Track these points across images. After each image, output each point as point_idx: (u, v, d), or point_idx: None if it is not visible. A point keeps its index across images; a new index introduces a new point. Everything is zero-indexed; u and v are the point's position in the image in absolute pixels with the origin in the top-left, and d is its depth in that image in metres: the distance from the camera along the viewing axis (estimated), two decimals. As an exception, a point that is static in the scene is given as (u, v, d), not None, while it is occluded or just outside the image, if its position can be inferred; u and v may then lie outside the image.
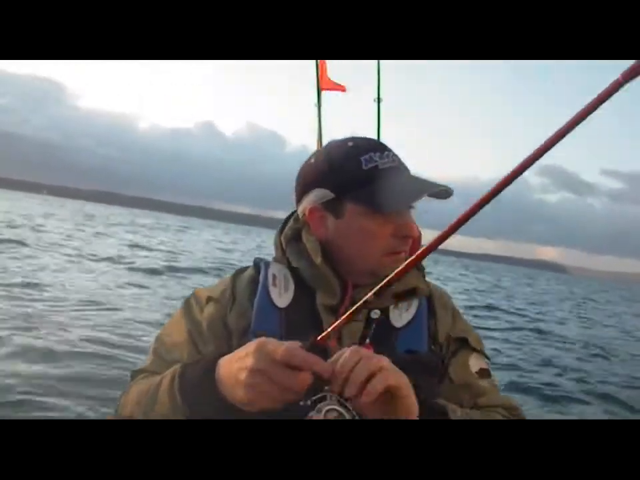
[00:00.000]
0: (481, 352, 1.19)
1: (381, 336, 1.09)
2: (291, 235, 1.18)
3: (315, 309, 1.10)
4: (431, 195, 1.11)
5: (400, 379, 0.86)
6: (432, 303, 1.20)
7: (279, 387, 0.82)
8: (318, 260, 1.11)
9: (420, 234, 1.24)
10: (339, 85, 2.99)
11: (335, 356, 0.86)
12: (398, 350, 1.09)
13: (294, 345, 0.83)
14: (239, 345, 0.93)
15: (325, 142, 1.93)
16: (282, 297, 1.11)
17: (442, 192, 1.10)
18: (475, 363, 1.15)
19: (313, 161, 1.17)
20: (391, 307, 1.14)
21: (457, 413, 1.00)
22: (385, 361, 0.86)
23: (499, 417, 1.08)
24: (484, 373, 1.15)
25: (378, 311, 1.11)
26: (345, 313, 1.08)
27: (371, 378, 0.83)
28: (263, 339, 0.86)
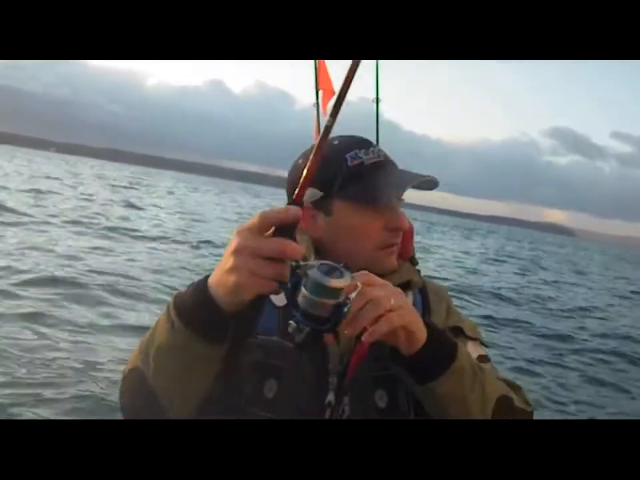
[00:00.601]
0: (477, 340, 1.20)
1: None
2: None
3: None
4: (417, 187, 1.14)
5: (406, 318, 0.89)
6: (426, 296, 1.21)
7: (264, 259, 0.79)
8: (312, 259, 1.11)
9: (411, 226, 1.25)
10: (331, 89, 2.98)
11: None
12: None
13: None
14: (237, 344, 0.93)
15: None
16: (280, 295, 1.12)
17: (428, 182, 1.12)
18: (473, 350, 1.16)
19: (300, 161, 1.18)
20: None
21: (463, 349, 1.01)
22: (395, 300, 0.88)
23: (503, 385, 1.08)
24: (483, 360, 1.15)
25: None
26: None
27: (378, 319, 0.86)
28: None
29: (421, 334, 0.93)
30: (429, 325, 0.96)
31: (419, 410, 1.04)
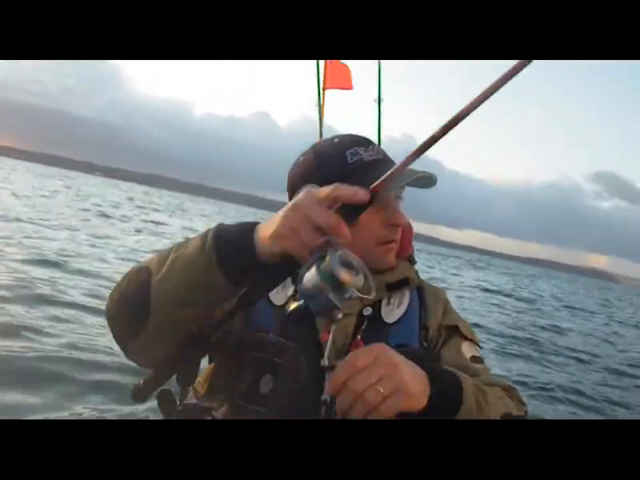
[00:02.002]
0: (472, 340, 1.21)
1: (372, 332, 1.11)
2: None
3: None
4: (415, 185, 1.14)
5: (400, 402, 0.86)
6: (423, 295, 1.22)
7: (311, 225, 0.80)
8: None
9: (409, 223, 1.26)
10: (345, 83, 2.99)
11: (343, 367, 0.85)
12: (389, 345, 1.10)
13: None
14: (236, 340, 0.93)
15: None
16: (280, 294, 1.13)
17: (426, 180, 1.13)
18: (468, 350, 1.17)
19: (301, 159, 1.20)
20: (383, 303, 1.15)
21: (467, 379, 1.00)
22: (384, 383, 0.84)
23: (500, 393, 1.08)
24: (477, 360, 1.16)
25: (370, 308, 1.13)
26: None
27: (368, 414, 0.83)
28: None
29: (423, 397, 0.90)
30: (431, 375, 0.93)
31: None
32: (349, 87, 3.09)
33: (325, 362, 0.98)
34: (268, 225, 0.86)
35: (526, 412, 1.11)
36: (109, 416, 3.23)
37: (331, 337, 1.04)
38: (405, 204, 1.21)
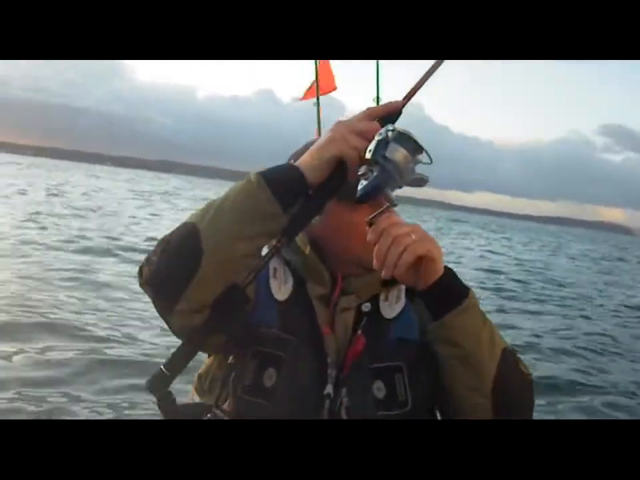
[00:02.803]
0: None
1: (372, 327, 1.11)
2: None
3: (309, 299, 1.11)
4: (407, 184, 1.13)
5: (427, 246, 0.96)
6: None
7: (356, 132, 0.95)
8: (307, 251, 1.13)
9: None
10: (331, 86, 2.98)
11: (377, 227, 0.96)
12: (390, 340, 1.11)
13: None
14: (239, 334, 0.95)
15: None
16: (282, 289, 1.13)
17: (417, 180, 1.13)
18: None
19: (292, 161, 1.19)
20: (381, 299, 1.15)
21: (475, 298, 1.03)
22: (415, 234, 0.96)
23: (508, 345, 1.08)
24: None
25: (369, 304, 1.13)
26: (336, 302, 1.10)
27: (402, 253, 0.94)
28: None
29: (440, 263, 0.99)
30: (445, 266, 1.01)
31: (417, 401, 1.05)
32: (333, 89, 3.09)
33: (328, 358, 0.99)
34: (312, 147, 0.99)
35: (531, 379, 1.09)
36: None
37: (332, 332, 1.05)
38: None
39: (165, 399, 0.97)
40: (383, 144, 0.92)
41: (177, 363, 0.96)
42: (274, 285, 1.12)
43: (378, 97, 3.01)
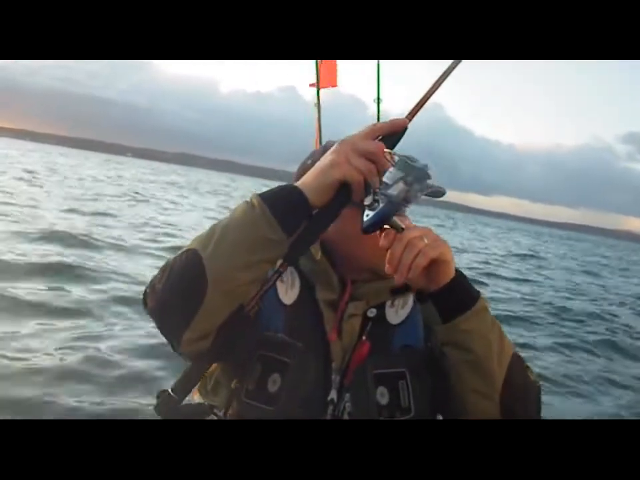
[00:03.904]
0: None
1: (377, 333, 1.11)
2: None
3: (317, 304, 1.11)
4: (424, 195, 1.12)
5: (439, 249, 0.96)
6: None
7: (359, 153, 0.92)
8: (318, 255, 1.12)
9: None
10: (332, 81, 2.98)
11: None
12: (394, 346, 1.11)
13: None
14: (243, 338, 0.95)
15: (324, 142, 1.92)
16: (288, 293, 1.12)
17: (435, 192, 1.12)
18: None
19: (310, 162, 1.18)
20: (387, 305, 1.15)
21: (484, 301, 1.03)
22: (427, 237, 0.96)
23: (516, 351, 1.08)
24: None
25: (374, 310, 1.13)
26: (345, 308, 1.09)
27: (416, 256, 0.94)
28: None
29: (452, 266, 0.99)
30: (456, 269, 1.02)
31: (420, 408, 1.05)
32: (334, 85, 3.09)
33: (333, 363, 0.98)
34: (313, 169, 0.96)
35: (539, 387, 1.09)
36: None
37: (338, 338, 1.04)
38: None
39: (166, 400, 0.97)
40: (389, 174, 0.92)
41: (184, 386, 0.97)
42: (281, 288, 1.11)
43: (379, 98, 3.00)
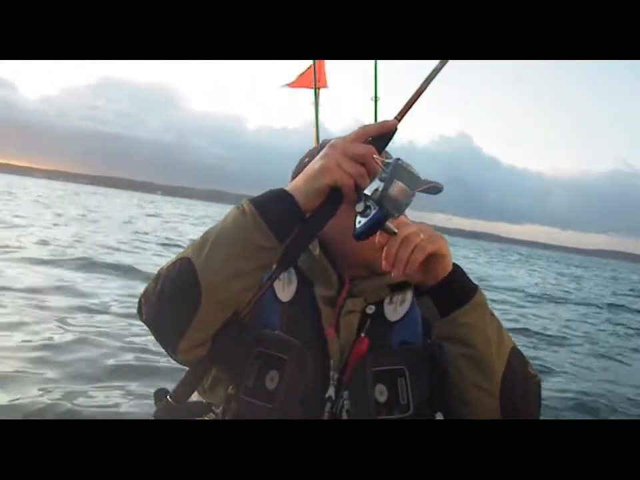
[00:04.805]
0: None
1: (376, 330, 1.11)
2: None
3: (314, 301, 1.11)
4: (420, 192, 1.13)
5: (436, 243, 0.96)
6: None
7: (349, 157, 0.92)
8: (316, 252, 1.13)
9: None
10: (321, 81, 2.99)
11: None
12: (393, 343, 1.11)
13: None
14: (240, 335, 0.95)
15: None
16: (285, 290, 1.12)
17: (431, 188, 1.12)
18: None
19: (307, 160, 1.18)
20: (386, 302, 1.15)
21: (483, 295, 1.03)
22: (423, 232, 0.96)
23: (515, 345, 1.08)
24: None
25: (373, 307, 1.13)
26: (342, 305, 1.10)
27: (412, 252, 0.94)
28: None
29: (449, 260, 0.99)
30: (454, 263, 1.02)
31: (419, 405, 1.05)
32: (324, 86, 3.09)
33: (331, 361, 0.98)
34: (304, 172, 0.95)
35: (539, 381, 1.08)
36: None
37: (336, 335, 1.04)
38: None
39: (165, 406, 0.97)
40: (379, 179, 0.91)
41: (183, 393, 0.97)
42: (277, 285, 1.11)
43: (376, 96, 3.00)
